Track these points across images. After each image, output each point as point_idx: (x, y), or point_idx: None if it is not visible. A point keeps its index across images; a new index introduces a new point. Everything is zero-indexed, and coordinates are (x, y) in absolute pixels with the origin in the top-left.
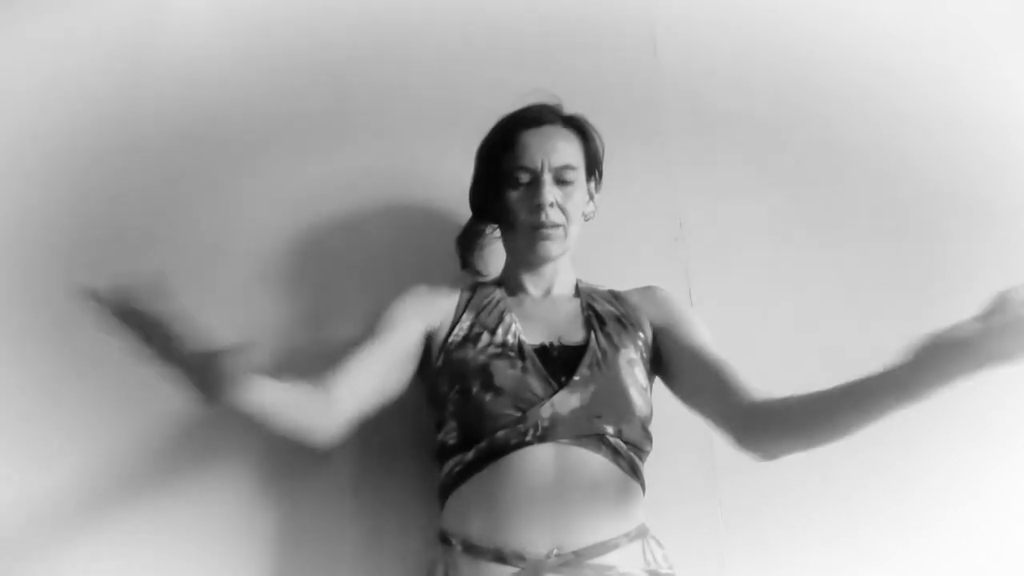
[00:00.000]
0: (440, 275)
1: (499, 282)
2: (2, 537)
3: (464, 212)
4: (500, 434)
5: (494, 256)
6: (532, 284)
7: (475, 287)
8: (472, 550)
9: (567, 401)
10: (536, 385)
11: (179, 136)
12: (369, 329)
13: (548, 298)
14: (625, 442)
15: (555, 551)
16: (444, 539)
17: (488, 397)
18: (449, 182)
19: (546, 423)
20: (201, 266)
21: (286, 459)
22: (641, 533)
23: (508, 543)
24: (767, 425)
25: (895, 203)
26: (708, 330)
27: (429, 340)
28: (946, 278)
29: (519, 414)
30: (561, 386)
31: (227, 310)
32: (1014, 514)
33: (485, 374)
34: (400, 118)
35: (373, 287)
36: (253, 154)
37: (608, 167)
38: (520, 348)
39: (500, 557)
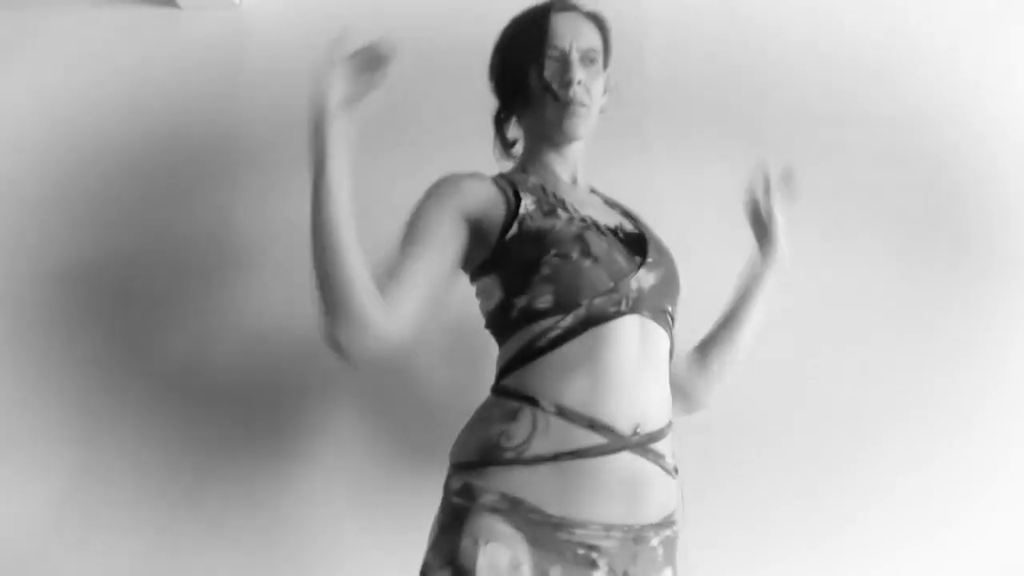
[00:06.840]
0: None
1: (523, 169)
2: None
3: None
4: (597, 301)
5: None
6: (560, 169)
7: (508, 177)
8: (566, 414)
9: (647, 278)
10: (621, 259)
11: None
12: (415, 235)
13: (576, 187)
14: (672, 322)
15: (637, 429)
16: (530, 400)
17: (587, 263)
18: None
19: (634, 295)
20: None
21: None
22: (671, 426)
23: (601, 415)
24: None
25: (851, 186)
26: None
27: (478, 224)
28: (912, 260)
29: (612, 284)
30: (639, 264)
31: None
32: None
33: (583, 242)
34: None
35: None
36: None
37: (596, 155)
38: (598, 225)
39: (592, 426)
